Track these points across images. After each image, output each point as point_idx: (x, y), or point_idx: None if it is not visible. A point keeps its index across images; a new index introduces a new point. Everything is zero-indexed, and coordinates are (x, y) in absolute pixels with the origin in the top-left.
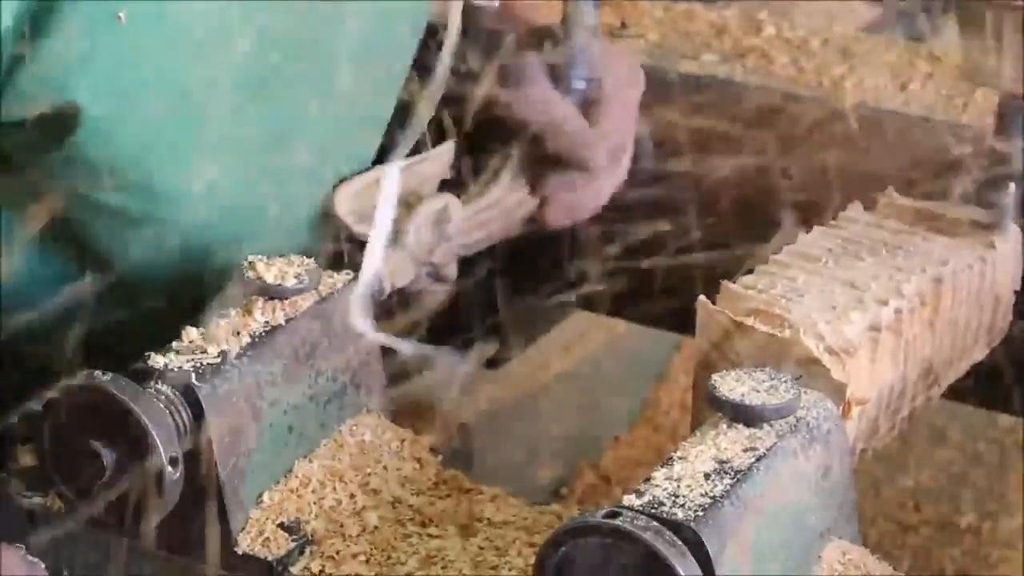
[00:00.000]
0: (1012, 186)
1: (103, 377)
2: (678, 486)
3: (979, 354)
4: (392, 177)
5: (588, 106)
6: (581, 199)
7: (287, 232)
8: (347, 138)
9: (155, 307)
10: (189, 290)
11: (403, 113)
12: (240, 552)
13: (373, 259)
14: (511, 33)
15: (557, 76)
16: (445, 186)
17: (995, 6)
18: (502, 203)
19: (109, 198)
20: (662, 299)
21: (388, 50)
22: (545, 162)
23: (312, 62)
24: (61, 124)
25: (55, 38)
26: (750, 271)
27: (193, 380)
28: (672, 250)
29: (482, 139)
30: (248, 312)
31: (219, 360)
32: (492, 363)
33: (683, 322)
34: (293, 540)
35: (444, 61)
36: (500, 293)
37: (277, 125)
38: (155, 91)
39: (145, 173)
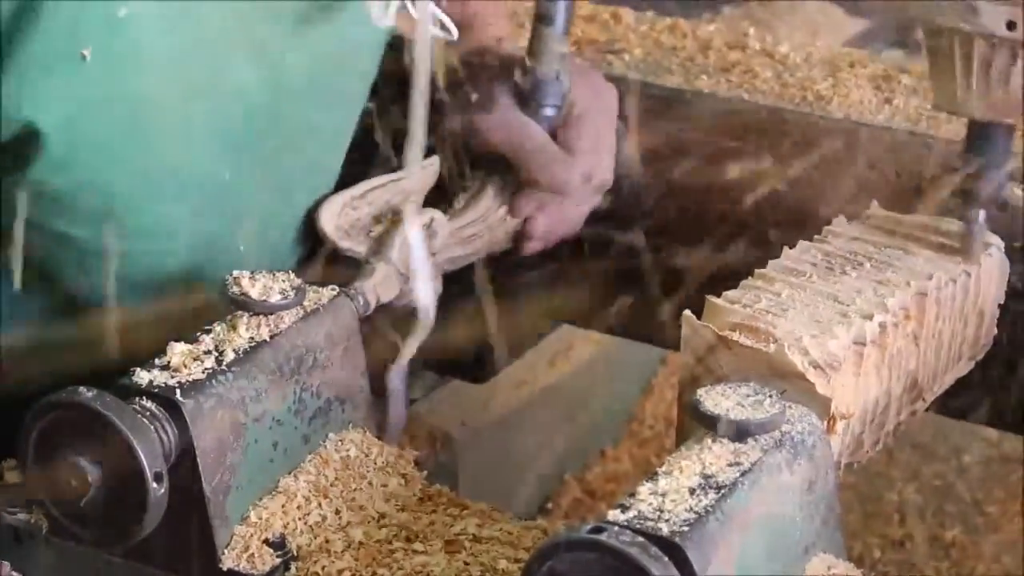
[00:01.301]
0: (980, 210)
1: (87, 393)
2: (663, 501)
3: (963, 368)
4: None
5: (560, 131)
6: (556, 223)
7: (254, 264)
8: (307, 172)
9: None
10: (154, 322)
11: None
12: (225, 568)
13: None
14: (477, 57)
15: (526, 103)
16: (430, 201)
17: (962, 34)
18: (487, 218)
19: (72, 230)
20: (647, 313)
21: (340, 94)
22: (520, 186)
23: (270, 104)
24: (22, 152)
25: (17, 69)
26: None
27: (178, 396)
28: (657, 263)
29: (455, 167)
30: (233, 328)
31: (204, 376)
32: (478, 377)
33: (668, 336)
34: (278, 556)
35: (420, 90)
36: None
37: (239, 160)
38: (115, 123)
39: (106, 205)
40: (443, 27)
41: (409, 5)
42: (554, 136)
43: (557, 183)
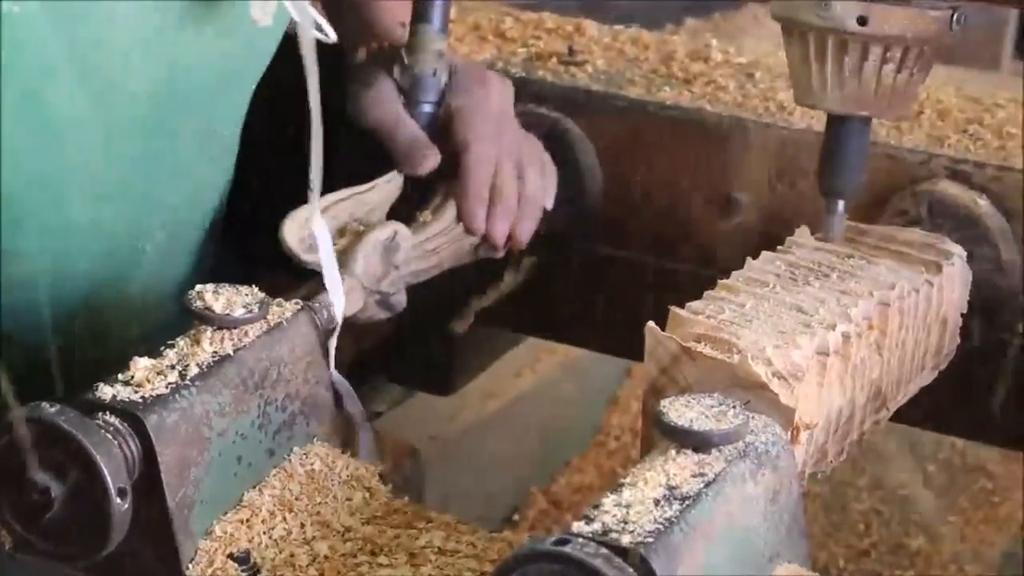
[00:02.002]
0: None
1: (50, 408)
2: (627, 512)
3: (927, 377)
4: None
5: (446, 127)
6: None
7: (164, 266)
8: (207, 169)
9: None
10: (67, 327)
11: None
12: None
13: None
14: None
15: (405, 100)
16: (393, 214)
17: (817, 30)
18: (451, 231)
19: None
20: (611, 325)
21: (234, 92)
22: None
23: (166, 101)
24: None
25: None
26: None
27: (141, 411)
28: (621, 275)
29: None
30: (196, 342)
31: (167, 390)
32: (443, 390)
33: (632, 348)
34: (243, 571)
35: (312, 89)
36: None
37: (138, 157)
38: (12, 122)
39: (5, 204)
40: (320, 29)
41: (289, 6)
42: (441, 133)
43: (413, 164)
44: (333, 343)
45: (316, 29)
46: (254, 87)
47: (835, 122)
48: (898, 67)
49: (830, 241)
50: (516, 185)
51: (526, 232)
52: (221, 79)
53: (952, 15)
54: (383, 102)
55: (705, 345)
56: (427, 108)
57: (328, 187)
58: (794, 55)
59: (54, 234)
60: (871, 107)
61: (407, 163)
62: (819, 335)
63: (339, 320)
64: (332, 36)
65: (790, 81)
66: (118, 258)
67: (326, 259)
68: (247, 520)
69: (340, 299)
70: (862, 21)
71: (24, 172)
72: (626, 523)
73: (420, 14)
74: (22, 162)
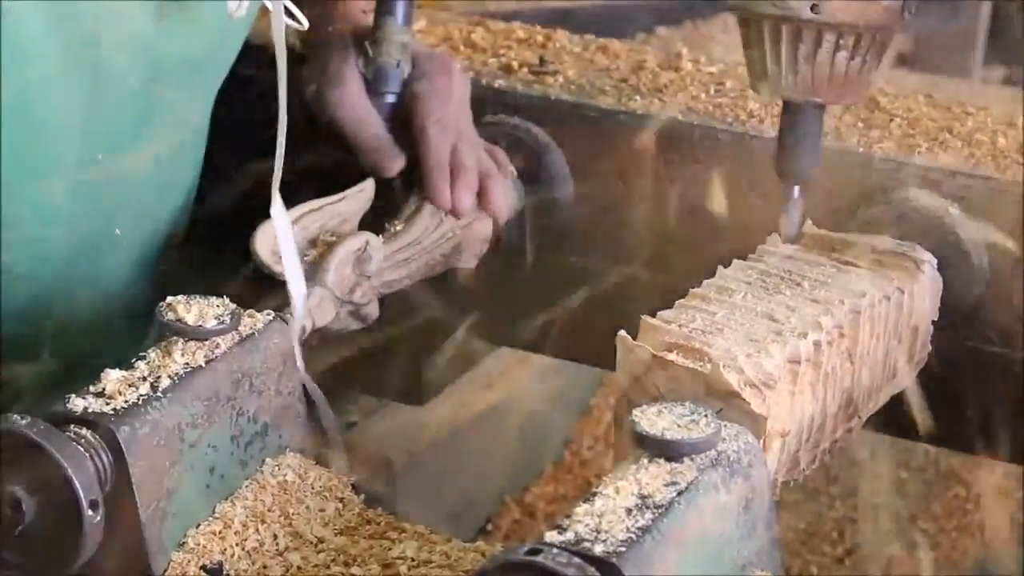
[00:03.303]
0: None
1: (20, 421)
2: (600, 521)
3: (898, 385)
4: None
5: (407, 111)
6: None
7: (133, 255)
8: (178, 162)
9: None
10: (32, 317)
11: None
12: None
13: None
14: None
15: (368, 90)
16: (365, 225)
17: (771, 18)
18: (423, 241)
19: None
20: (583, 334)
21: (206, 84)
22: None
23: (142, 92)
24: None
25: None
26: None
27: (112, 423)
28: (593, 285)
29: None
30: (168, 353)
31: (139, 402)
32: (416, 400)
33: (605, 357)
34: None
35: (281, 78)
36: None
37: (114, 148)
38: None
39: None
40: (293, 17)
41: None
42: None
43: (375, 162)
44: (297, 338)
45: (288, 16)
46: (222, 79)
47: (790, 109)
48: (851, 54)
49: (788, 227)
50: (475, 160)
51: (500, 205)
52: (192, 71)
53: (904, 4)
54: (349, 99)
55: (677, 354)
56: (390, 99)
57: (297, 193)
58: (750, 44)
59: (31, 222)
60: (825, 94)
61: (373, 165)
62: (790, 343)
63: (301, 314)
64: (304, 23)
65: (746, 70)
66: (93, 247)
67: (286, 250)
68: (220, 532)
69: (301, 291)
70: (815, 9)
71: (3, 160)
72: (599, 532)
73: (385, 6)
74: (3, 150)
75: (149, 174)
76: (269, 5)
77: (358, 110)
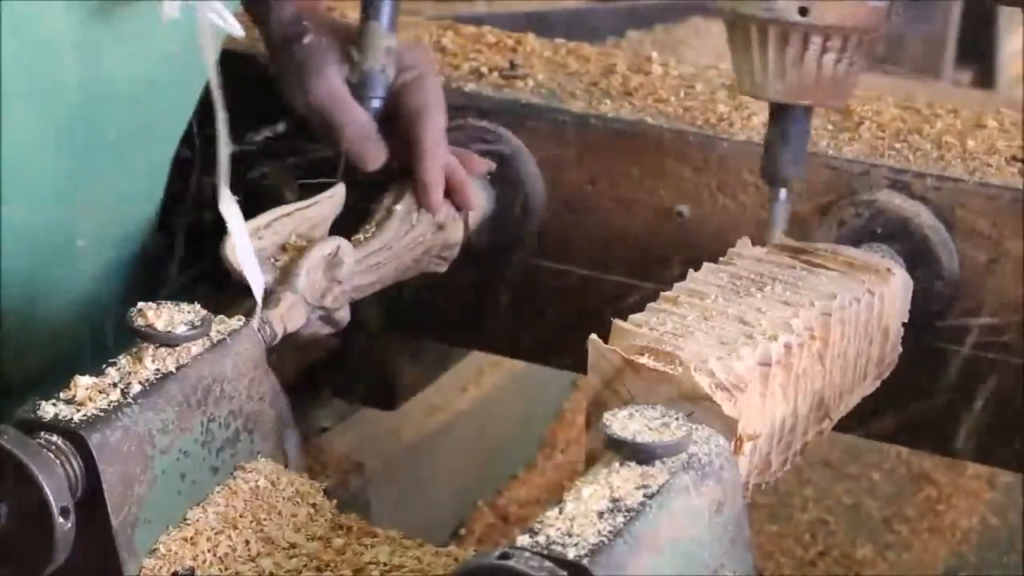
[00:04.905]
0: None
1: None
2: (571, 525)
3: (869, 387)
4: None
5: (395, 100)
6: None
7: (99, 265)
8: (142, 171)
9: None
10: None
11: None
12: None
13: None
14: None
15: (354, 94)
16: (336, 230)
17: (759, 21)
18: (394, 246)
19: None
20: (555, 337)
21: (170, 94)
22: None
23: (98, 102)
24: None
25: None
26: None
27: (83, 429)
28: (564, 288)
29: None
30: (139, 359)
31: (109, 408)
32: (389, 404)
33: (577, 360)
34: None
35: (214, 83)
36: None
37: (73, 157)
38: None
39: None
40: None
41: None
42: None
43: (358, 155)
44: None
45: (221, 21)
46: (195, 95)
47: (777, 111)
48: (838, 57)
49: (774, 230)
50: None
51: (473, 202)
52: (148, 82)
53: (890, 6)
54: (332, 89)
55: (648, 357)
56: (375, 103)
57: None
58: (738, 47)
59: None
60: (812, 96)
61: (356, 156)
62: (761, 346)
63: (259, 305)
64: (237, 31)
65: (733, 72)
66: (56, 257)
67: (241, 241)
68: (191, 538)
69: (260, 285)
70: (803, 12)
71: None
72: (570, 536)
73: (370, 11)
74: None
75: (110, 182)
76: (197, 7)
77: (341, 100)
